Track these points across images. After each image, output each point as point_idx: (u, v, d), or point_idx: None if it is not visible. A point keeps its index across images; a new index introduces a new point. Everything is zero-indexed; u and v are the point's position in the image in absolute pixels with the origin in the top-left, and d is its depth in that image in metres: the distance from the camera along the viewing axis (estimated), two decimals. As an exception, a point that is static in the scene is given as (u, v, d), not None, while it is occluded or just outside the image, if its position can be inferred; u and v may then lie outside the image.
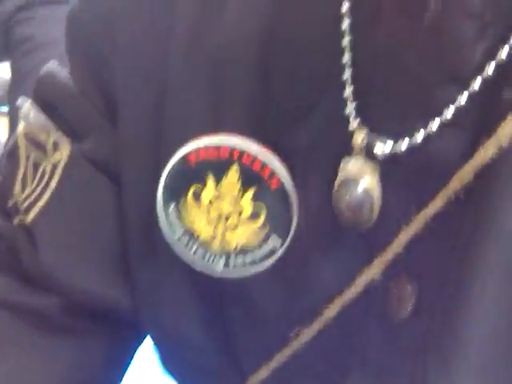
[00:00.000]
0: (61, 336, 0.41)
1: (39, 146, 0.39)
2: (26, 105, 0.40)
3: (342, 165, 0.31)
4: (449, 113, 0.29)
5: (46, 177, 0.39)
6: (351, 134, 0.31)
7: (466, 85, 0.28)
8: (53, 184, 0.38)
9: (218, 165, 0.34)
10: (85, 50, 0.40)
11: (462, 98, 0.28)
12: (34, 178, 0.39)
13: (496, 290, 0.29)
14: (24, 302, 0.40)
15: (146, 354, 0.52)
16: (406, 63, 0.29)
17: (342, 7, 0.30)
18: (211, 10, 0.34)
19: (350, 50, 0.30)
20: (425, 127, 0.29)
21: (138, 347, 0.45)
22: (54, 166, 0.39)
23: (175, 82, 0.35)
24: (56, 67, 0.42)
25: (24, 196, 0.39)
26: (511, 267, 0.29)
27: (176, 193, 0.35)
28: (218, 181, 0.34)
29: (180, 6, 0.35)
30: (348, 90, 0.30)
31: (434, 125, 0.29)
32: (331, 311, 0.33)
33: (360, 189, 0.31)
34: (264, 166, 0.33)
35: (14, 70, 0.74)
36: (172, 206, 0.35)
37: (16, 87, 0.73)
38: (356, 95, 0.31)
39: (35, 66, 0.70)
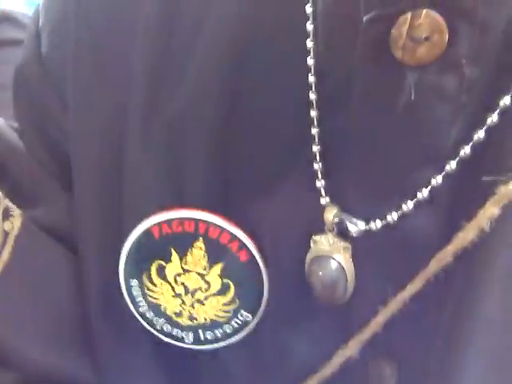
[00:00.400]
0: None
1: None
2: None
3: (313, 240, 0.30)
4: (425, 192, 0.27)
5: None
6: (322, 210, 0.29)
7: (441, 166, 0.27)
8: (5, 255, 0.36)
9: (182, 239, 0.32)
10: (32, 112, 0.38)
11: (438, 178, 0.27)
12: None
13: (482, 375, 0.28)
14: None
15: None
16: (377, 146, 0.28)
17: (309, 81, 0.28)
18: (168, 78, 0.32)
19: (318, 126, 0.29)
20: (399, 206, 0.28)
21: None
22: (5, 235, 0.36)
23: (133, 151, 0.33)
24: (4, 126, 0.39)
25: None
26: (497, 352, 0.28)
27: (139, 267, 0.33)
28: (182, 256, 0.32)
29: (136, 71, 0.33)
30: (316, 166, 0.29)
31: (410, 204, 0.28)
32: None
33: (333, 265, 0.30)
34: (232, 238, 0.31)
35: None
36: (134, 280, 0.33)
37: None
38: (325, 172, 0.29)
39: None
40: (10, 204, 0.36)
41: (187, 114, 0.32)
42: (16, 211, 0.36)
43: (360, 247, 0.29)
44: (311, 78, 0.29)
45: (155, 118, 0.33)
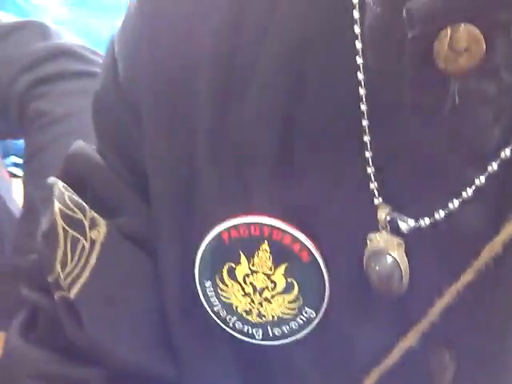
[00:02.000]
0: None
1: (76, 224, 0.40)
2: (58, 186, 0.42)
3: (368, 238, 0.32)
4: (469, 191, 0.29)
5: (85, 254, 0.40)
6: (375, 210, 0.32)
7: (485, 165, 0.29)
8: (92, 261, 0.40)
9: (249, 242, 0.35)
10: (111, 131, 0.41)
11: (481, 178, 0.29)
12: (73, 255, 0.40)
13: None
14: (66, 374, 0.41)
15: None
16: (424, 149, 0.30)
17: (360, 93, 0.31)
18: (233, 93, 0.35)
19: (369, 134, 0.31)
20: (446, 205, 0.30)
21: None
22: (92, 243, 0.40)
23: (202, 167, 0.36)
24: (85, 145, 0.43)
25: (65, 273, 0.40)
26: None
27: (212, 270, 0.36)
28: (250, 257, 0.35)
29: (201, 98, 0.36)
30: (369, 170, 0.32)
31: (455, 202, 0.30)
32: (370, 381, 0.34)
33: (389, 260, 0.32)
34: (294, 240, 0.34)
35: (29, 144, 0.72)
36: (208, 282, 0.36)
37: (30, 161, 0.71)
38: (377, 175, 0.32)
39: (50, 140, 0.69)
40: (96, 215, 0.40)
41: (251, 125, 0.35)
42: (101, 221, 0.40)
43: (412, 243, 0.32)
44: (361, 91, 0.31)
45: (221, 133, 0.36)
